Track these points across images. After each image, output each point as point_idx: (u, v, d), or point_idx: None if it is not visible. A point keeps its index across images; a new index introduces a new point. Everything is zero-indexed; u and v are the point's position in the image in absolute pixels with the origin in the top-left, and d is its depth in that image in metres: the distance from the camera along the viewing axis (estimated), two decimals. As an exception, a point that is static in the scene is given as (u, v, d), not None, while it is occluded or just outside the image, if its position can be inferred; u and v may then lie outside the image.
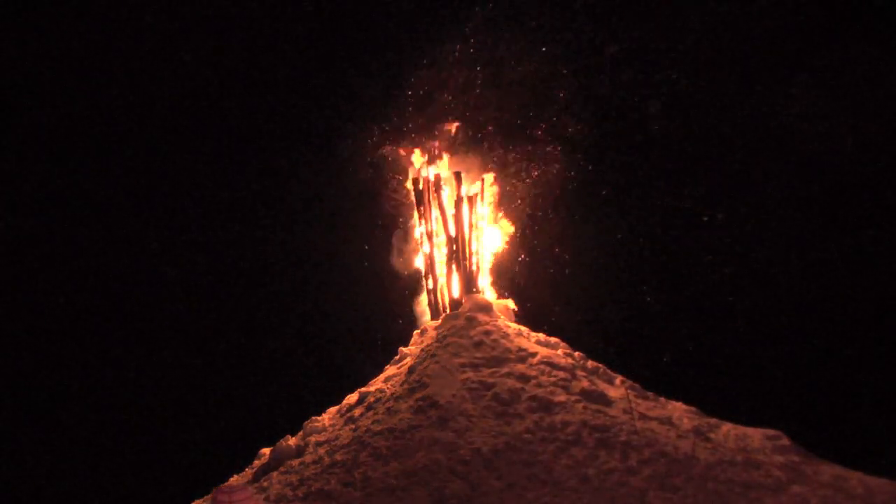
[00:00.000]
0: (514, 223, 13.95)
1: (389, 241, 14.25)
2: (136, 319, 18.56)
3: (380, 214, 14.76)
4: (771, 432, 9.45)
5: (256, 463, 10.87)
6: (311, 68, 19.18)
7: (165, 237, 19.16)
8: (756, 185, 16.39)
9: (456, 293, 12.78)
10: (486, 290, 13.16)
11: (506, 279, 13.86)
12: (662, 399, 10.59)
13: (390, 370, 11.74)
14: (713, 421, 9.92)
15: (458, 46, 14.75)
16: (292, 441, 10.58)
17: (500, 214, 13.86)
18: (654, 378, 11.44)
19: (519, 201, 14.14)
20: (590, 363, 11.08)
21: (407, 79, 14.75)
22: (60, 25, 18.77)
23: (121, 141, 19.44)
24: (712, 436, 9.38)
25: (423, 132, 14.19)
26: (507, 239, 13.83)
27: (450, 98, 14.45)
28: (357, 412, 10.53)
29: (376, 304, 15.95)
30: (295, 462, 9.86)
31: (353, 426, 10.06)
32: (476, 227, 13.09)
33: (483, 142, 14.17)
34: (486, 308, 11.94)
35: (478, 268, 13.04)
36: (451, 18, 15.62)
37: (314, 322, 18.51)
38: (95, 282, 18.60)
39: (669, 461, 8.56)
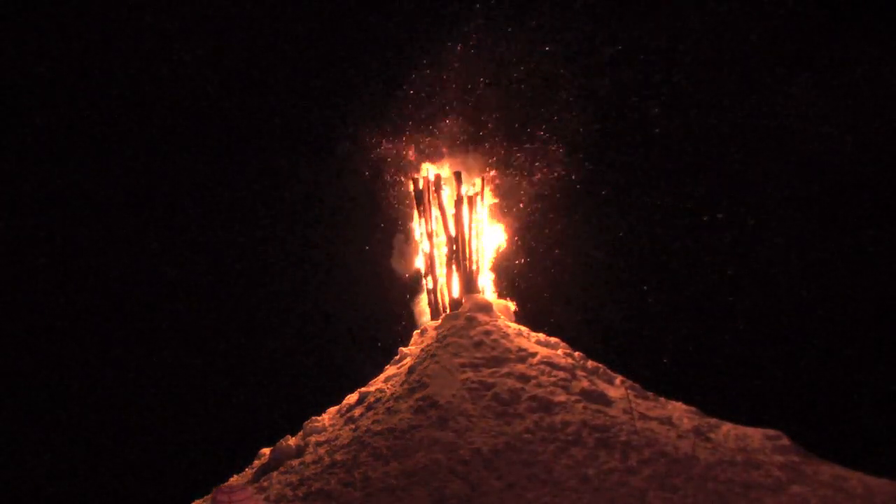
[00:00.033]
0: (513, 223, 13.96)
1: (390, 241, 14.27)
2: (136, 319, 18.56)
3: (380, 214, 14.77)
4: (771, 432, 9.45)
5: (256, 463, 10.87)
6: (311, 68, 19.19)
7: (165, 237, 19.17)
8: (756, 185, 16.40)
9: (456, 293, 12.78)
10: (486, 290, 13.16)
11: (506, 279, 13.87)
12: (662, 399, 10.59)
13: (390, 370, 11.74)
14: (713, 421, 9.92)
15: (459, 46, 14.76)
16: (292, 441, 10.58)
17: (500, 214, 13.86)
18: (654, 378, 11.45)
19: (519, 201, 14.14)
20: (590, 363, 11.08)
21: (407, 78, 14.77)
22: (60, 25, 18.78)
23: (121, 141, 19.45)
24: (712, 436, 9.38)
25: (423, 132, 14.21)
26: (507, 239, 13.83)
27: (450, 98, 14.46)
28: (357, 412, 10.53)
29: (376, 304, 15.97)
30: (295, 462, 9.86)
31: (353, 426, 10.06)
32: (476, 227, 13.09)
33: (483, 141, 14.18)
34: (486, 308, 11.94)
35: (478, 268, 13.04)
36: (452, 18, 15.64)
37: (314, 322, 18.52)
38: (95, 282, 18.61)
39: (669, 461, 8.56)
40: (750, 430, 9.56)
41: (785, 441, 9.26)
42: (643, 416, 9.61)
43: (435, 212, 13.13)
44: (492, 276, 13.51)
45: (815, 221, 15.72)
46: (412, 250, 13.75)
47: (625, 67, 16.70)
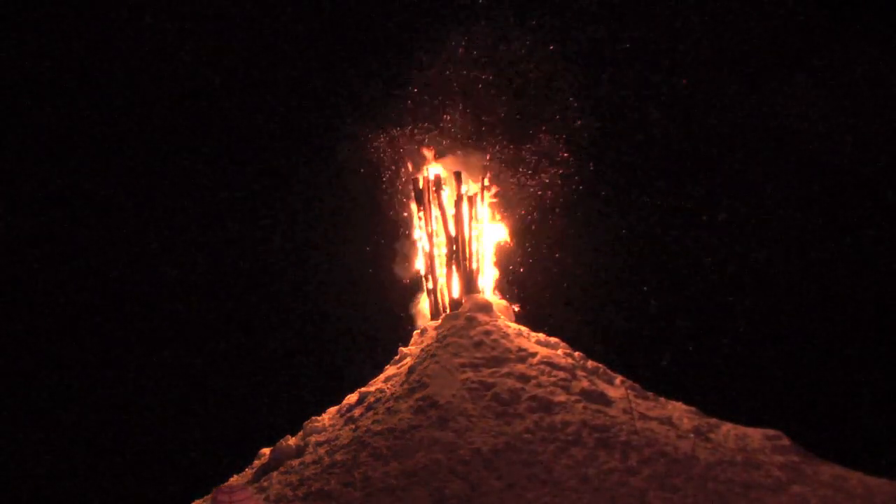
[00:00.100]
0: (514, 223, 13.96)
1: (390, 242, 14.27)
2: (136, 319, 18.55)
3: (380, 214, 14.76)
4: (771, 432, 9.46)
5: (256, 463, 10.87)
6: (311, 68, 19.18)
7: (165, 237, 19.15)
8: (756, 185, 16.40)
9: (456, 293, 12.78)
10: (486, 290, 13.16)
11: (506, 279, 13.86)
12: (662, 399, 10.60)
13: (390, 370, 11.74)
14: (713, 421, 9.92)
15: (459, 47, 14.75)
16: (292, 441, 10.58)
17: (500, 214, 13.86)
18: (654, 378, 11.46)
19: (519, 201, 14.14)
20: (590, 363, 11.08)
21: (407, 78, 14.76)
22: (60, 25, 18.77)
23: (121, 141, 19.43)
24: (712, 436, 9.39)
25: (423, 132, 14.20)
26: (507, 239, 13.83)
27: (450, 97, 14.45)
28: (357, 412, 10.53)
29: (376, 304, 15.95)
30: (295, 462, 9.86)
31: (353, 426, 10.06)
32: (476, 226, 13.09)
33: (483, 141, 14.18)
34: (486, 308, 11.94)
35: (478, 268, 13.04)
36: (452, 18, 15.64)
37: (314, 322, 18.50)
38: (95, 282, 18.60)
39: (669, 461, 8.56)
40: (750, 430, 9.57)
41: (785, 441, 9.26)
42: (643, 416, 9.61)
43: (435, 212, 13.14)
44: (492, 275, 13.51)
45: (815, 221, 15.73)
46: (413, 252, 13.75)
47: (625, 67, 16.72)
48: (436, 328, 11.89)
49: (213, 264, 19.01)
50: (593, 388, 10.10)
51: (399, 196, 14.30)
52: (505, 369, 10.32)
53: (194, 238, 19.14)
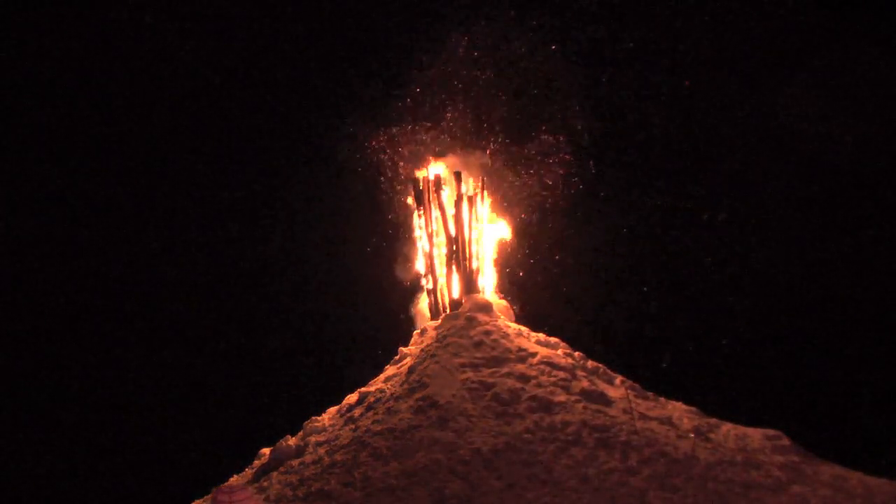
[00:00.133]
0: (514, 223, 13.96)
1: (390, 242, 14.27)
2: (136, 319, 18.56)
3: (380, 214, 14.77)
4: (771, 432, 9.46)
5: (256, 463, 10.87)
6: (311, 68, 19.19)
7: (165, 237, 19.16)
8: (756, 185, 16.41)
9: (456, 293, 12.77)
10: (486, 290, 13.16)
11: (506, 279, 13.86)
12: (662, 399, 10.60)
13: (390, 370, 11.73)
14: (713, 421, 9.92)
15: (459, 46, 14.75)
16: (292, 441, 10.58)
17: (500, 214, 13.86)
18: (654, 378, 11.46)
19: (519, 201, 14.14)
20: (590, 363, 11.08)
21: (407, 78, 14.76)
22: (60, 25, 18.78)
23: (121, 141, 19.45)
24: (712, 436, 9.39)
25: (423, 132, 14.19)
26: (507, 239, 13.82)
27: (450, 98, 14.45)
28: (357, 412, 10.53)
29: (376, 303, 15.95)
30: (295, 462, 9.86)
31: (353, 426, 10.06)
32: (476, 226, 13.08)
33: (484, 141, 14.18)
34: (486, 308, 11.94)
35: (478, 268, 13.04)
36: (452, 18, 15.64)
37: (314, 322, 18.50)
38: (95, 282, 18.61)
39: (669, 461, 8.56)
40: (750, 430, 9.56)
41: (785, 441, 9.26)
42: (643, 416, 9.61)
43: (435, 212, 13.13)
44: (492, 275, 13.51)
45: (815, 221, 15.73)
46: (413, 252, 13.75)
47: (625, 67, 16.72)
48: (436, 328, 11.89)
49: (213, 264, 19.02)
50: (593, 388, 10.10)
51: (399, 196, 14.30)
52: (505, 369, 10.32)
53: (194, 238, 19.16)
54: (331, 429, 10.46)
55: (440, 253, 13.17)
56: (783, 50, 16.20)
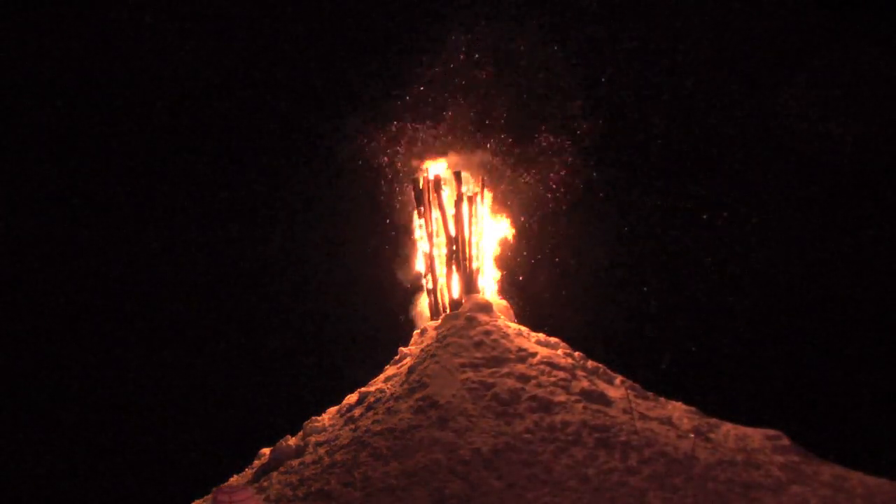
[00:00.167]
0: (514, 223, 13.95)
1: (390, 243, 14.27)
2: (136, 319, 18.56)
3: (380, 214, 14.77)
4: (771, 432, 9.46)
5: (256, 463, 10.87)
6: (311, 68, 19.19)
7: (165, 237, 19.16)
8: (756, 185, 16.41)
9: (456, 293, 12.77)
10: (487, 290, 13.15)
11: (506, 279, 13.86)
12: (662, 399, 10.60)
13: (390, 370, 11.73)
14: (713, 421, 9.92)
15: (460, 46, 14.75)
16: (292, 441, 10.58)
17: (501, 214, 13.85)
18: (654, 378, 11.45)
19: (519, 201, 14.14)
20: (590, 363, 11.08)
21: (407, 78, 14.76)
22: (60, 25, 18.78)
23: (121, 141, 19.45)
24: (712, 436, 9.39)
25: (423, 132, 14.20)
26: (508, 239, 13.82)
27: (450, 97, 14.46)
28: (357, 412, 10.53)
29: (376, 304, 15.95)
30: (295, 462, 9.86)
31: (353, 426, 10.06)
32: (476, 226, 13.08)
33: (484, 141, 14.18)
34: (486, 308, 11.93)
35: (478, 268, 13.03)
36: (453, 18, 15.64)
37: (314, 322, 18.50)
38: (95, 282, 18.60)
39: (669, 461, 8.56)
40: (750, 430, 9.57)
41: (785, 441, 9.26)
42: (643, 416, 9.61)
43: (435, 212, 13.13)
44: (492, 275, 13.51)
45: (815, 221, 15.72)
46: (413, 252, 13.75)
47: (625, 67, 16.72)
48: (436, 328, 11.89)
49: (213, 264, 19.02)
50: (593, 388, 10.10)
51: (399, 196, 14.30)
52: (505, 369, 10.32)
53: (194, 238, 19.16)
54: (331, 429, 10.46)
55: (440, 253, 13.17)
56: (783, 50, 16.20)
